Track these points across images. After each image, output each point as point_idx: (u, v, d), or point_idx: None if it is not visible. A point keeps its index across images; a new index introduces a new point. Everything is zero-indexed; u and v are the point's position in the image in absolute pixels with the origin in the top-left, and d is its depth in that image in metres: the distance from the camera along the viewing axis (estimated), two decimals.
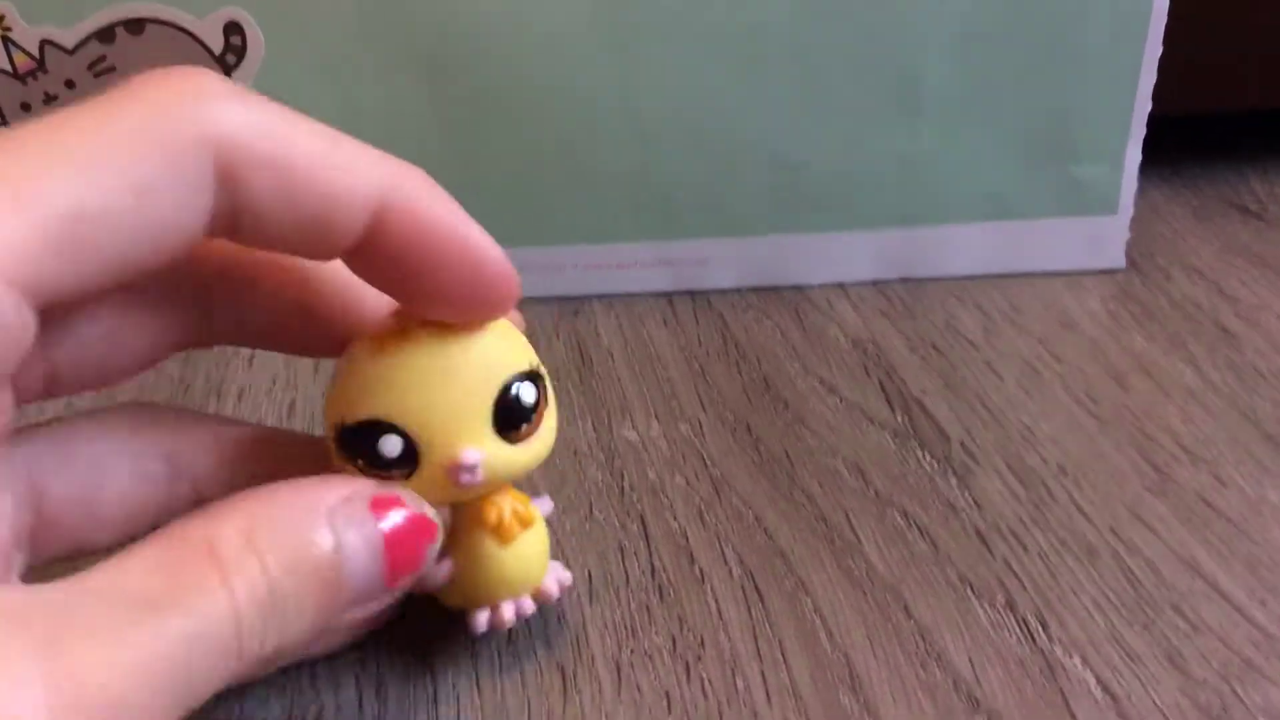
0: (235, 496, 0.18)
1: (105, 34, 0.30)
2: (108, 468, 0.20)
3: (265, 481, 0.19)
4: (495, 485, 0.21)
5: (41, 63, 0.31)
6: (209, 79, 0.17)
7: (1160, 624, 0.23)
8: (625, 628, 0.23)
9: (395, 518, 0.19)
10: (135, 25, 0.30)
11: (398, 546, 0.19)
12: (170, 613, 0.16)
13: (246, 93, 0.18)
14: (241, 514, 0.18)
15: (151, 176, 0.16)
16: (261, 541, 0.17)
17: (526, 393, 0.20)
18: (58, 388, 0.20)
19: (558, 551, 0.25)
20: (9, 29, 0.30)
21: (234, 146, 0.17)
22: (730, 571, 0.25)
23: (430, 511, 0.20)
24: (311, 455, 0.21)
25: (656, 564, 0.25)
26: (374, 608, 0.19)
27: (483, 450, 0.20)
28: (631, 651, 0.23)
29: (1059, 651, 0.23)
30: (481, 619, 0.22)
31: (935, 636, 0.23)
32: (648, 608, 0.24)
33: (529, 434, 0.21)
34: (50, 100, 0.31)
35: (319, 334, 0.22)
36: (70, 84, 0.31)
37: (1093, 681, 0.22)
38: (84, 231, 0.16)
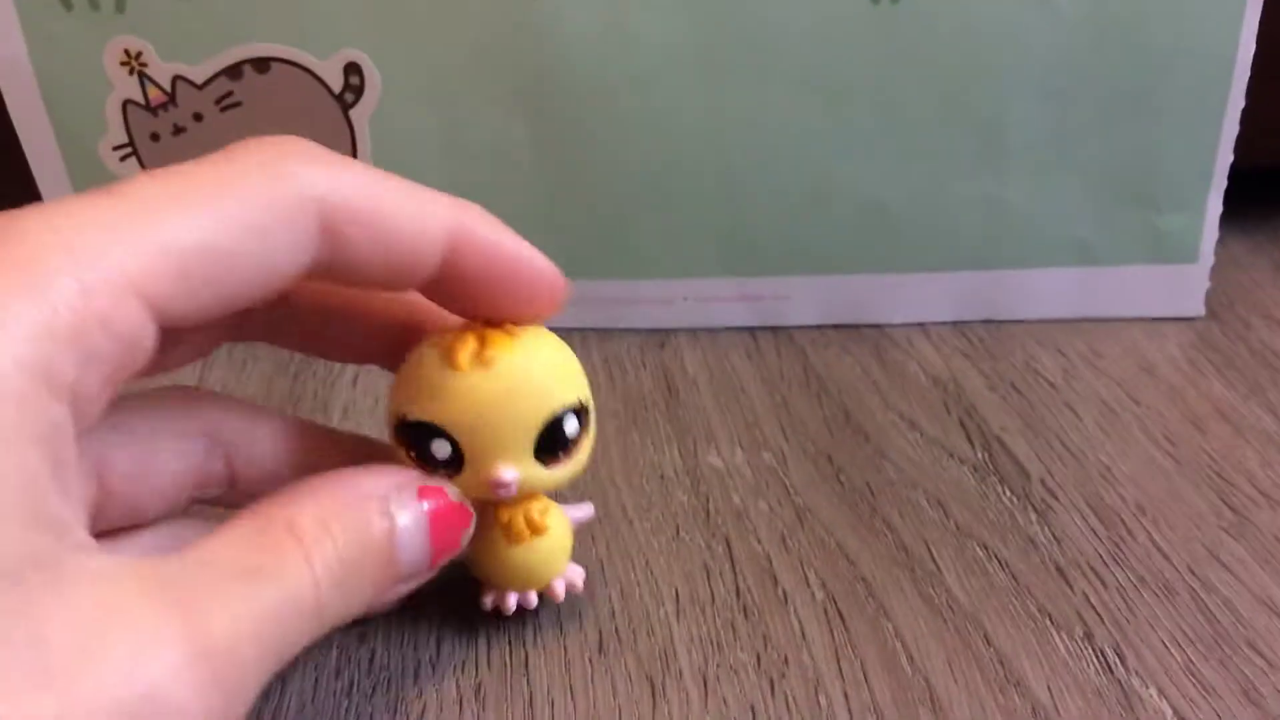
0: (304, 482, 0.20)
1: (233, 71, 0.33)
2: (159, 443, 0.22)
3: (290, 455, 0.23)
4: (527, 496, 0.23)
5: (173, 96, 0.33)
6: (307, 145, 0.20)
7: (1237, 660, 0.24)
8: (711, 643, 0.24)
9: (438, 502, 0.21)
10: (262, 64, 0.32)
11: (440, 529, 0.21)
12: (268, 580, 0.18)
13: (338, 156, 0.20)
14: (314, 499, 0.20)
15: (265, 225, 0.19)
16: (334, 523, 0.20)
17: (570, 425, 0.23)
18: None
19: (646, 570, 0.26)
20: (145, 64, 0.33)
21: (333, 203, 0.19)
22: (813, 594, 0.26)
23: (467, 502, 0.22)
24: (334, 442, 0.24)
25: (741, 585, 0.26)
26: (414, 585, 0.22)
27: (519, 471, 0.22)
28: (718, 666, 0.24)
29: (1136, 683, 0.23)
30: (487, 600, 0.25)
31: (1014, 664, 0.24)
32: (733, 625, 0.25)
33: (565, 460, 0.23)
34: (179, 131, 0.34)
35: (363, 343, 0.24)
36: (198, 117, 0.33)
37: (1169, 712, 0.22)
38: (209, 266, 0.18)
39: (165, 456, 0.22)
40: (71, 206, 0.17)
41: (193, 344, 0.23)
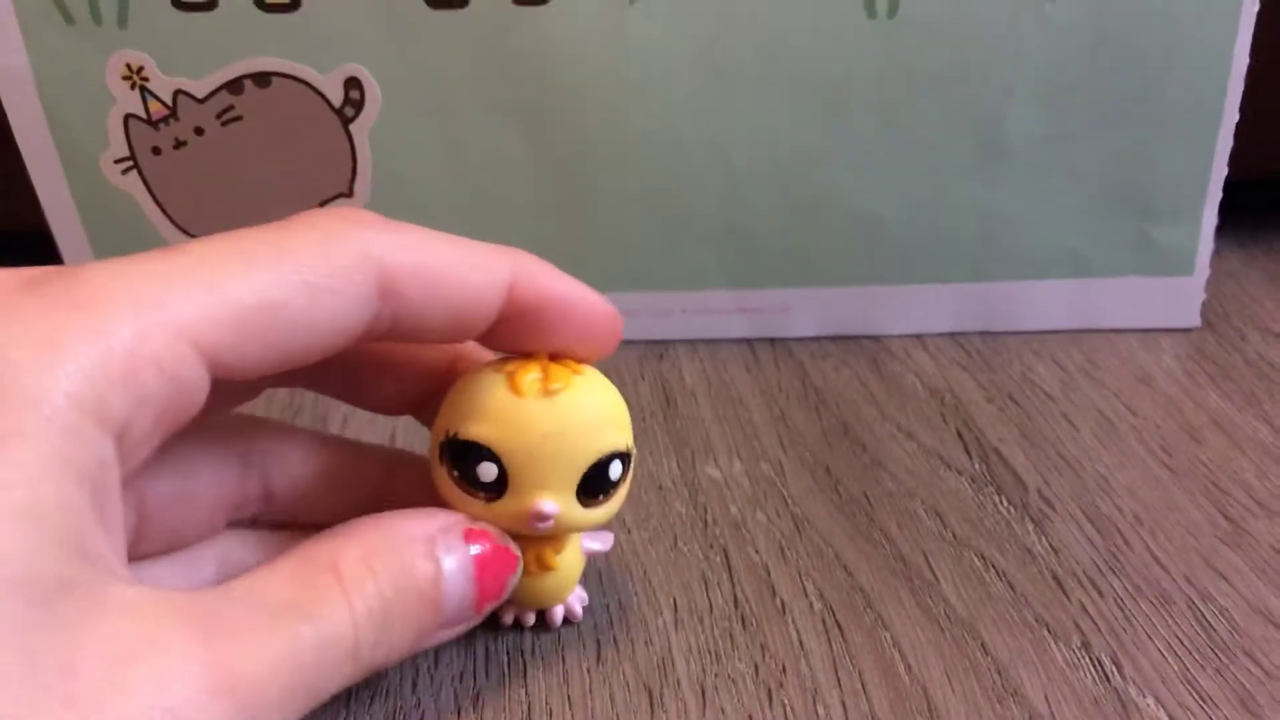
0: (351, 523, 0.21)
1: (234, 85, 0.33)
2: (194, 466, 0.23)
3: (323, 469, 0.23)
4: (560, 534, 0.24)
5: (174, 110, 0.33)
6: (365, 213, 0.21)
7: (1234, 669, 0.24)
8: (709, 653, 0.24)
9: (485, 546, 0.21)
10: (263, 79, 0.33)
11: (486, 574, 0.21)
12: (303, 619, 0.18)
13: (393, 221, 0.21)
14: (358, 540, 0.20)
15: (323, 284, 0.19)
16: (376, 563, 0.20)
17: (614, 470, 0.23)
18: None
19: (644, 580, 0.27)
20: (146, 79, 0.33)
21: (391, 263, 0.20)
22: (810, 605, 0.26)
23: (513, 545, 0.22)
24: (365, 455, 0.25)
25: (739, 594, 0.26)
26: (459, 631, 0.22)
27: (560, 506, 0.22)
28: (715, 676, 0.24)
29: (1133, 692, 0.23)
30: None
31: (1011, 673, 0.24)
32: (731, 635, 0.25)
33: (604, 503, 0.23)
34: (180, 145, 0.34)
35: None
36: (199, 131, 0.33)
37: None
38: (265, 320, 0.19)
39: (202, 481, 0.23)
40: (136, 259, 0.18)
41: (240, 389, 0.23)
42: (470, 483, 0.22)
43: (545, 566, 0.24)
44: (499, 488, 0.22)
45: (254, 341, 0.18)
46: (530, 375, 0.22)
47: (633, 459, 0.24)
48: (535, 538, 0.23)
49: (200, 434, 0.23)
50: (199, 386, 0.18)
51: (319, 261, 0.19)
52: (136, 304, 0.17)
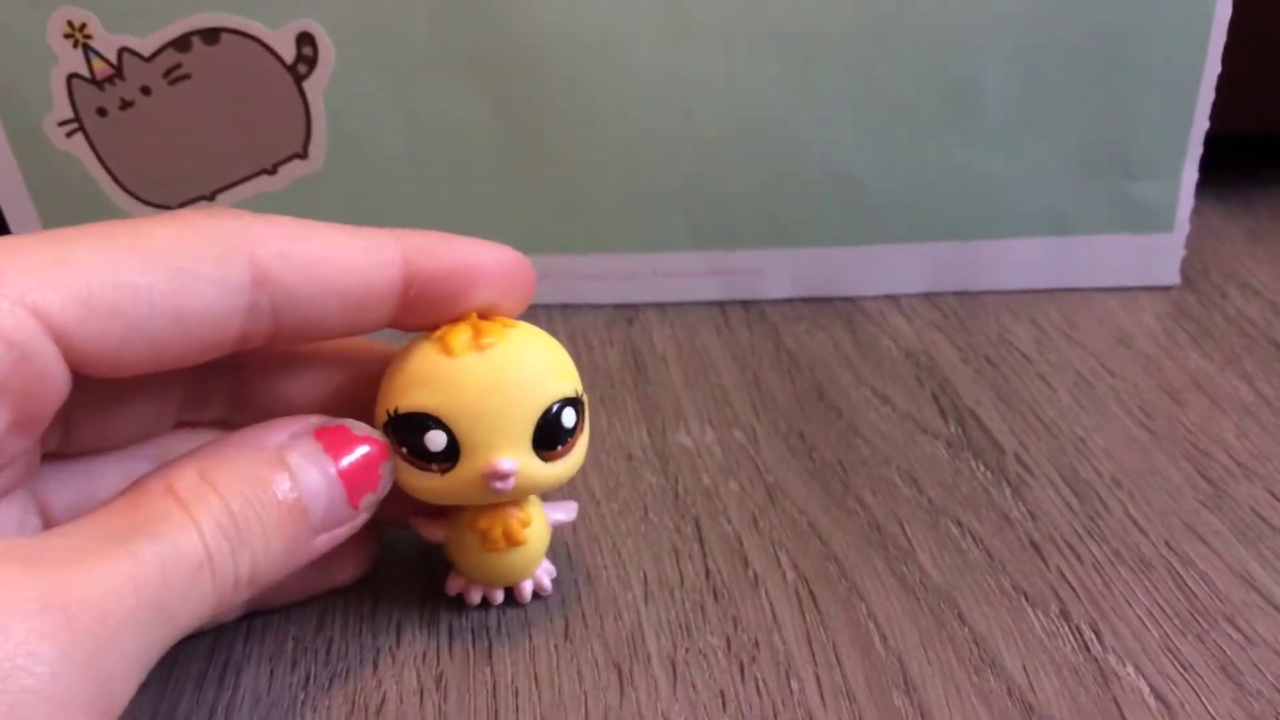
0: (196, 449, 0.20)
1: (182, 43, 0.31)
2: (103, 475, 0.22)
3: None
4: (523, 495, 0.23)
5: (119, 70, 0.32)
6: (236, 210, 0.20)
7: (1214, 636, 0.23)
8: (680, 628, 0.24)
9: (340, 439, 0.21)
10: (211, 35, 0.31)
11: (352, 468, 0.21)
12: (141, 539, 0.18)
13: (269, 215, 0.20)
14: (195, 459, 0.20)
15: (188, 268, 0.19)
16: (218, 478, 0.19)
17: (567, 417, 0.22)
18: (69, 444, 0.21)
19: (614, 552, 0.26)
20: (89, 36, 0.31)
21: (263, 251, 0.19)
22: (784, 576, 0.25)
23: (375, 433, 0.21)
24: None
25: (711, 567, 0.25)
26: (348, 532, 0.21)
27: (518, 462, 0.21)
28: (687, 651, 0.23)
29: (1113, 660, 0.23)
30: (453, 586, 0.24)
31: (989, 643, 0.23)
32: (702, 609, 0.24)
33: (563, 454, 0.22)
34: (126, 106, 0.32)
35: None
36: (146, 90, 0.32)
37: (1146, 690, 0.22)
38: (121, 300, 0.18)
39: (108, 486, 0.22)
40: None
41: (142, 413, 0.22)
42: (421, 456, 0.21)
43: (515, 541, 0.23)
44: (452, 455, 0.21)
45: (109, 321, 0.18)
46: (461, 335, 0.21)
47: (585, 405, 0.23)
48: (500, 510, 0.23)
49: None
50: (63, 378, 0.18)
51: (181, 247, 0.19)
52: None
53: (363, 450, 0.21)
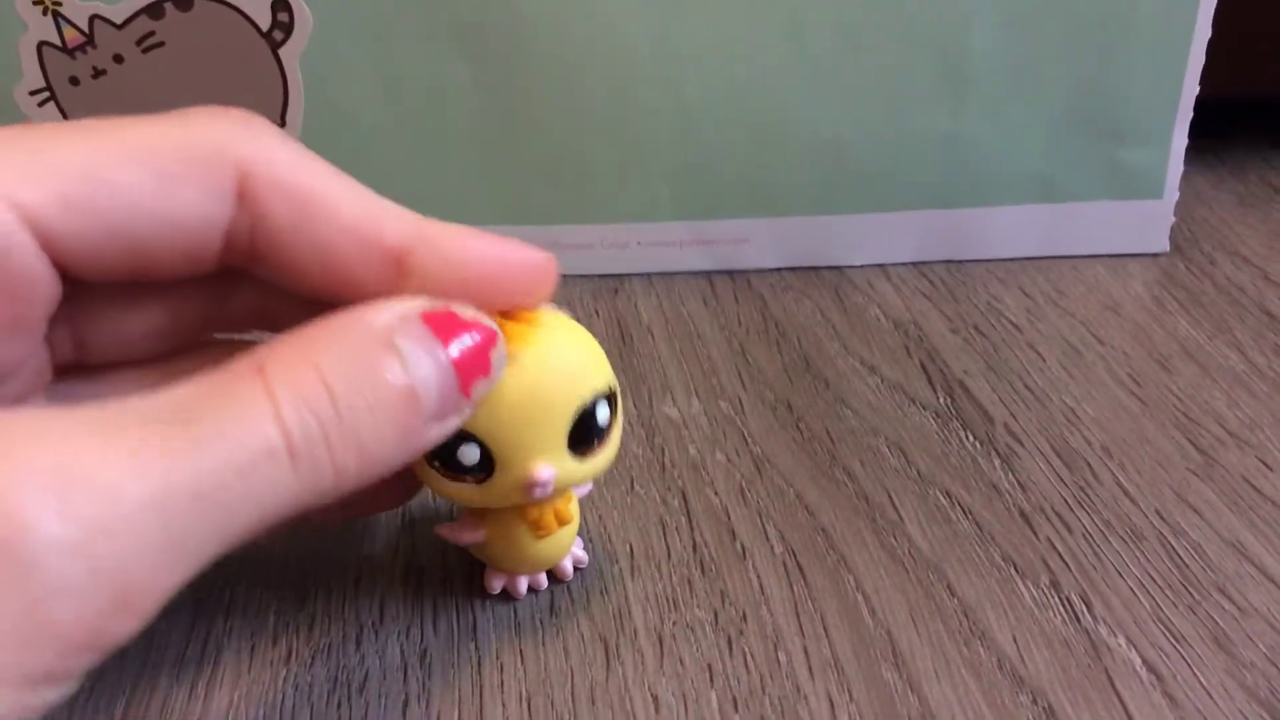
0: (288, 332, 0.18)
1: (154, 9, 0.31)
2: (125, 389, 0.21)
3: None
4: (561, 493, 0.22)
5: (91, 38, 0.31)
6: (254, 117, 0.19)
7: (1206, 606, 0.23)
8: (667, 601, 0.23)
9: (451, 320, 0.19)
10: (184, 1, 0.31)
11: (465, 359, 0.19)
12: (204, 420, 0.16)
13: (285, 135, 0.19)
14: (295, 338, 0.18)
15: (169, 168, 0.18)
16: (321, 359, 0.17)
17: (602, 413, 0.21)
18: (86, 354, 0.21)
19: (599, 526, 0.25)
20: (59, 4, 0.31)
21: (253, 167, 0.18)
22: (772, 548, 0.25)
23: (484, 317, 0.20)
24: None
25: (698, 539, 0.25)
26: (455, 424, 0.19)
27: (555, 467, 0.21)
28: (674, 624, 0.23)
29: (1104, 631, 0.22)
30: (496, 584, 0.23)
31: (979, 615, 0.23)
32: (689, 582, 0.24)
33: (599, 449, 0.22)
34: (99, 74, 0.32)
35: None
36: (119, 59, 0.31)
37: (1138, 661, 0.22)
38: (100, 197, 0.17)
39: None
40: None
41: (159, 325, 0.21)
42: (455, 470, 0.21)
43: (565, 520, 0.22)
44: (487, 467, 0.21)
45: (88, 217, 0.17)
46: None
47: (619, 396, 0.22)
48: (544, 501, 0.22)
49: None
50: (47, 275, 0.17)
51: (165, 145, 0.18)
52: None
53: (474, 335, 0.19)
